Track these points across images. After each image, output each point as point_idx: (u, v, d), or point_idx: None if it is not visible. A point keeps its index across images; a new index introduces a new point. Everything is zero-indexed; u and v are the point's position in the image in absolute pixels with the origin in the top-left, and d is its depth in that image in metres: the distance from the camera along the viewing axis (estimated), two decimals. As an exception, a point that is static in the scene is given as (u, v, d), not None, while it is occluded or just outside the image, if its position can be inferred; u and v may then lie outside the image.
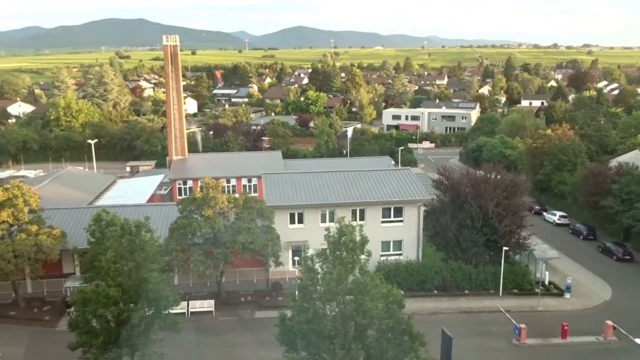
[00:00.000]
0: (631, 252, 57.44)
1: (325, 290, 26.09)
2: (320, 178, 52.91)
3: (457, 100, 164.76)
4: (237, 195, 46.18)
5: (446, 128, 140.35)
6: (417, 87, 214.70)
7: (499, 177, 50.06)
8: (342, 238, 26.09)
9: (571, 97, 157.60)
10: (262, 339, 37.58)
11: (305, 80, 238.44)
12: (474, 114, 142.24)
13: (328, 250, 26.54)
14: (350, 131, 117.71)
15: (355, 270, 26.32)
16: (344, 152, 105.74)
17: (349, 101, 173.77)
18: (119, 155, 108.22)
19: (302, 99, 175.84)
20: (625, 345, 39.26)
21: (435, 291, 47.30)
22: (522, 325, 40.22)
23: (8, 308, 44.22)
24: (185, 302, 43.14)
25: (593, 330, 41.20)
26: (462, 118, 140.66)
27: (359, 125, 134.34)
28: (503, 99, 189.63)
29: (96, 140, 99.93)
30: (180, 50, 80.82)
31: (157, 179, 73.73)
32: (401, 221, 50.29)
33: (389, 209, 50.09)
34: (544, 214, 71.81)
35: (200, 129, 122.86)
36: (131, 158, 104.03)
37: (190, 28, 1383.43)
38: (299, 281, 28.17)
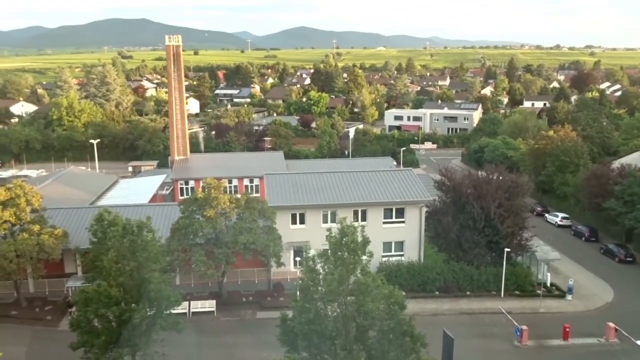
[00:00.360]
0: (633, 254, 57.31)
1: (326, 290, 26.11)
2: (322, 179, 52.91)
3: (459, 101, 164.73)
4: (239, 196, 46.24)
5: (448, 129, 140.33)
6: (419, 88, 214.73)
7: (501, 178, 49.98)
8: (344, 239, 26.12)
9: (573, 98, 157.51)
10: (264, 339, 37.59)
11: (308, 81, 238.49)
12: (476, 115, 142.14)
13: (329, 251, 26.57)
14: (352, 132, 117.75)
15: (356, 271, 26.34)
16: (346, 152, 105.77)
17: (351, 102, 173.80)
18: (121, 155, 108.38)
19: (304, 99, 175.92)
20: (627, 347, 39.20)
21: (437, 292, 47.24)
22: (524, 327, 40.17)
23: (10, 307, 44.31)
24: (187, 303, 43.14)
25: (595, 332, 41.14)
26: (464, 119, 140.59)
27: (361, 126, 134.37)
28: (505, 100, 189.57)
29: (98, 140, 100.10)
30: (183, 51, 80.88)
31: (159, 179, 73.83)
32: (403, 222, 50.27)
33: (391, 209, 50.06)
34: (546, 215, 71.70)
35: (203, 129, 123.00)
36: (133, 158, 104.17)
37: (193, 28, 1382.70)
38: (300, 282, 28.18)
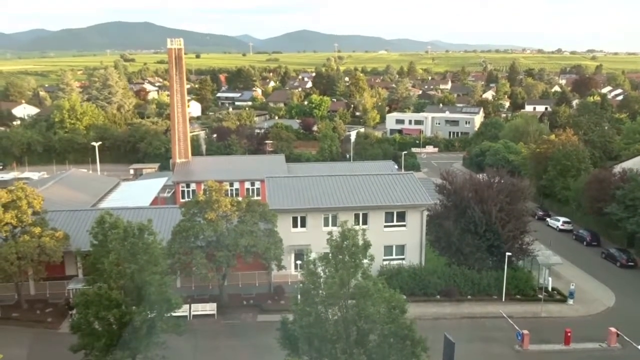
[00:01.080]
0: (635, 259, 57.16)
1: (327, 294, 26.11)
2: (323, 182, 52.92)
3: (460, 105, 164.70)
4: (240, 199, 46.24)
5: (450, 133, 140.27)
6: (420, 92, 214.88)
7: (502, 182, 49.96)
8: (345, 242, 26.14)
9: (575, 102, 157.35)
10: (264, 342, 37.49)
11: (309, 84, 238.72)
12: (478, 119, 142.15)
13: (330, 254, 26.59)
14: (353, 135, 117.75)
15: (357, 274, 26.34)
16: (347, 156, 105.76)
17: (352, 105, 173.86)
18: (123, 158, 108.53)
19: (305, 102, 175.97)
20: (628, 353, 39.08)
21: (438, 296, 47.16)
22: (525, 331, 40.08)
23: (11, 310, 44.32)
24: (188, 305, 43.11)
25: (596, 337, 41.01)
26: (466, 123, 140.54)
27: (362, 130, 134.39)
28: (507, 104, 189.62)
29: (100, 142, 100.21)
30: (185, 54, 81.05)
31: (161, 181, 73.90)
32: (404, 226, 50.25)
33: (392, 213, 50.03)
34: (548, 219, 71.56)
35: (204, 132, 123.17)
36: (135, 160, 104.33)
37: (195, 31, 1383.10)
38: (301, 285, 28.17)
